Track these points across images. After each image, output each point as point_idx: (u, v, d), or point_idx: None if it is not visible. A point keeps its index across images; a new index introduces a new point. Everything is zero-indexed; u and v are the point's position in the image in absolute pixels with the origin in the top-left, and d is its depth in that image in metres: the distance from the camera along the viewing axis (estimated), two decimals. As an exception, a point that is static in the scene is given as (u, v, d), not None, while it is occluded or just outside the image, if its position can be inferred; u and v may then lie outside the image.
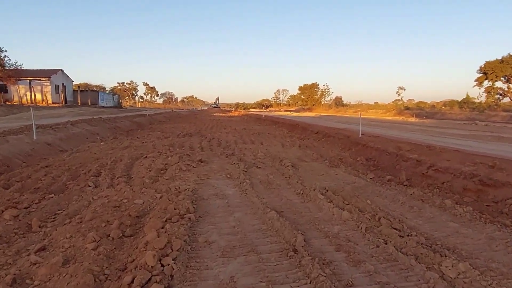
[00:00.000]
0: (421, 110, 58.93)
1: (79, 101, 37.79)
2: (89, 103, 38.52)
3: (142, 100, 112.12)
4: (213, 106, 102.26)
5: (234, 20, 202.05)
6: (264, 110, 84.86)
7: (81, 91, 39.70)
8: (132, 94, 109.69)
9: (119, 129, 16.84)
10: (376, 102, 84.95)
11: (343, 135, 11.93)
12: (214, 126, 22.68)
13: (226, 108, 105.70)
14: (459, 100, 64.59)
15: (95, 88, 52.12)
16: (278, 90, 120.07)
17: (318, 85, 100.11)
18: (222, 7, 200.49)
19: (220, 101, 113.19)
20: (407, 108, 66.62)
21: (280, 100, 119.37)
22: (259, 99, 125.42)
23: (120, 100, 53.41)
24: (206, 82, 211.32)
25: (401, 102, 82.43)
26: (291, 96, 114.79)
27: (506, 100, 52.69)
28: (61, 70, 38.15)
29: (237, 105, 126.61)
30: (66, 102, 38.24)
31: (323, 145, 11.66)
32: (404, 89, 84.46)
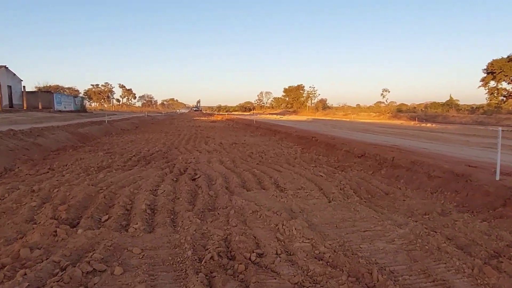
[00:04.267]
0: (417, 113, 54.54)
1: (24, 105, 30.69)
2: (40, 106, 31.54)
3: (118, 103, 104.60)
4: (194, 109, 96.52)
5: (216, 21, 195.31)
6: (248, 113, 78.93)
7: (28, 92, 32.52)
8: (108, 96, 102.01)
9: (36, 148, 10.51)
10: (358, 105, 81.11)
11: (434, 168, 6.13)
12: (192, 137, 16.60)
13: (207, 111, 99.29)
14: (442, 102, 60.97)
15: (51, 90, 44.65)
16: (261, 93, 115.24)
17: (303, 87, 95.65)
18: (203, 8, 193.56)
19: (202, 104, 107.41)
20: (400, 111, 62.48)
21: (264, 103, 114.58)
22: (242, 102, 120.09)
23: (85, 103, 46.23)
24: (187, 84, 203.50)
25: (383, 104, 78.54)
26: (274, 98, 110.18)
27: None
28: (5, 66, 31.10)
29: (219, 108, 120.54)
30: (12, 105, 31.27)
31: (404, 193, 5.83)
32: (389, 91, 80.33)
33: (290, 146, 12.54)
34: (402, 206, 5.07)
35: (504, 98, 48.08)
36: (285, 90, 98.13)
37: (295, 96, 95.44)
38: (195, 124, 29.32)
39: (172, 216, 4.49)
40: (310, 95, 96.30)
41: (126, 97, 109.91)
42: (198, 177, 6.87)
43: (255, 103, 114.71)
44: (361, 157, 8.53)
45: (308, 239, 3.64)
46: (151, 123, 31.74)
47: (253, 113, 76.23)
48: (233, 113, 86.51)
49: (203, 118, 45.76)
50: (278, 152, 10.86)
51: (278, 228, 3.97)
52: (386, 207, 5.05)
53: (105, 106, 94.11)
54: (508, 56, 43.54)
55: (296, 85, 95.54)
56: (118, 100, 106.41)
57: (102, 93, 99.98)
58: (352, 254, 3.33)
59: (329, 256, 3.25)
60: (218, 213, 4.55)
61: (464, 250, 3.45)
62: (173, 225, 4.17)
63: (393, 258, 3.28)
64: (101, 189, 5.71)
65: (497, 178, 4.94)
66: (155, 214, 4.54)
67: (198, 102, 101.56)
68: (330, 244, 3.53)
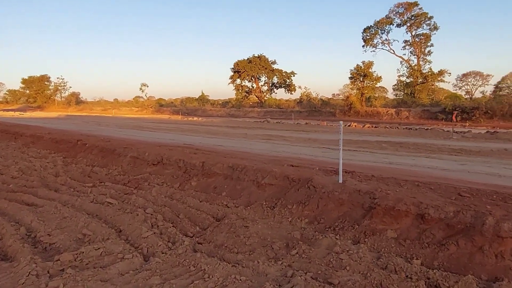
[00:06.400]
0: (177, 107, 56.78)
1: None
2: None
3: None
4: None
5: None
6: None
7: None
8: None
9: None
10: (116, 99, 77.35)
11: (262, 174, 4.98)
12: None
13: None
14: (196, 98, 67.51)
15: None
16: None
17: (49, 78, 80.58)
18: None
19: None
20: (161, 105, 63.40)
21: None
22: None
23: None
24: None
25: (143, 99, 77.94)
26: (9, 91, 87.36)
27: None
28: None
29: None
30: None
31: (238, 214, 4.31)
32: (147, 86, 79.96)
33: (44, 155, 8.75)
34: (252, 239, 3.52)
35: (247, 94, 57.01)
36: (25, 81, 79.59)
37: (38, 88, 79.01)
38: None
39: None
40: (59, 88, 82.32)
41: None
42: None
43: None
44: (158, 165, 6.49)
45: None
46: None
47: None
48: None
49: None
50: (25, 166, 7.12)
51: None
52: (234, 247, 3.35)
53: None
54: (248, 58, 51.69)
55: (39, 75, 79.08)
56: None
57: None
58: None
59: None
60: None
61: None
62: None
63: None
64: None
65: (340, 180, 4.21)
66: None
67: None
68: None
